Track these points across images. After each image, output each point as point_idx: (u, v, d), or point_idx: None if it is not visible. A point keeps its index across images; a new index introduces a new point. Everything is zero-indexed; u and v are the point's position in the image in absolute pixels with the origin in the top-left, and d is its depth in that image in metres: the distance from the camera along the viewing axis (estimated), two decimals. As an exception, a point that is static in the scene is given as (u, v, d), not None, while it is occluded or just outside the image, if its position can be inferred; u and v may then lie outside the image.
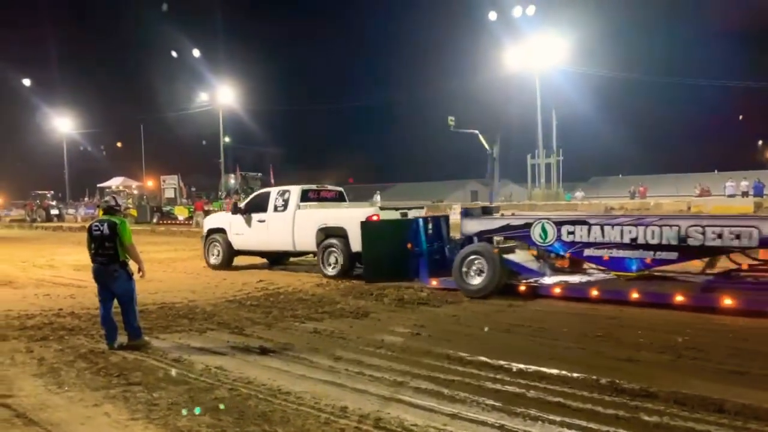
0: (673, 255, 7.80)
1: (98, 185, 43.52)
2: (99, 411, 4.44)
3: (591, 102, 50.29)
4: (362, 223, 10.32)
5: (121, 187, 41.50)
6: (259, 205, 12.29)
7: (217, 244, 12.92)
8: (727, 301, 7.05)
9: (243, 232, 12.36)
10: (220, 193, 35.49)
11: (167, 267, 13.47)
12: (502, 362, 5.39)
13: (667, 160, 62.94)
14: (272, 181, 35.57)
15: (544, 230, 8.69)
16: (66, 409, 4.49)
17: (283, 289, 9.81)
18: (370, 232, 10.17)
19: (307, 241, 11.39)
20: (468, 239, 9.34)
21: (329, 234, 11.05)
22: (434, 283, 9.34)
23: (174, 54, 48.56)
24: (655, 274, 8.42)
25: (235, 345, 6.31)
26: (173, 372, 5.35)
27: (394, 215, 10.97)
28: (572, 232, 8.46)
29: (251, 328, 7.09)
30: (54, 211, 40.61)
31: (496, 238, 9.04)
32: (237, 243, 12.62)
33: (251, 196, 13.40)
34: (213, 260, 13.01)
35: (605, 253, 8.24)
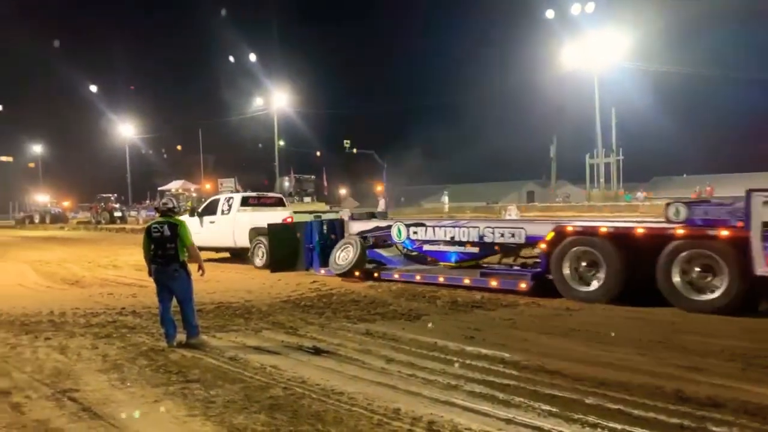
0: (476, 250, 10.10)
1: (159, 188, 45.18)
2: (159, 407, 4.60)
3: (652, 99, 48.63)
4: (268, 224, 12.57)
5: (180, 190, 43.01)
6: (211, 209, 14.74)
7: None
8: (493, 283, 9.18)
9: (199, 232, 13.72)
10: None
11: (224, 267, 13.84)
12: (558, 367, 5.27)
13: (733, 158, 60.02)
14: (325, 183, 36.00)
15: (399, 231, 11.11)
16: (128, 405, 4.67)
17: (336, 290, 9.91)
18: (276, 231, 12.50)
19: (243, 238, 13.89)
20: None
21: (259, 233, 13.29)
22: (322, 271, 11.59)
23: (231, 59, 49.94)
24: (482, 264, 10.38)
25: (289, 345, 6.42)
26: (229, 370, 5.49)
27: (307, 218, 12.69)
28: (416, 232, 10.85)
29: (305, 328, 7.20)
30: (117, 214, 42.48)
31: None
32: (198, 241, 13.28)
33: (206, 202, 15.62)
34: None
35: (436, 248, 10.62)
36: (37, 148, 67.84)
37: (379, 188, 41.16)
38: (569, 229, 8.56)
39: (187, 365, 5.69)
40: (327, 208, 31.29)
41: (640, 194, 43.58)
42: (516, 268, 9.85)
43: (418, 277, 10.18)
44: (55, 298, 9.99)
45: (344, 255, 11.21)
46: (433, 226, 10.67)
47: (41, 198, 53.47)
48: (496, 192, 59.06)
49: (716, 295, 7.17)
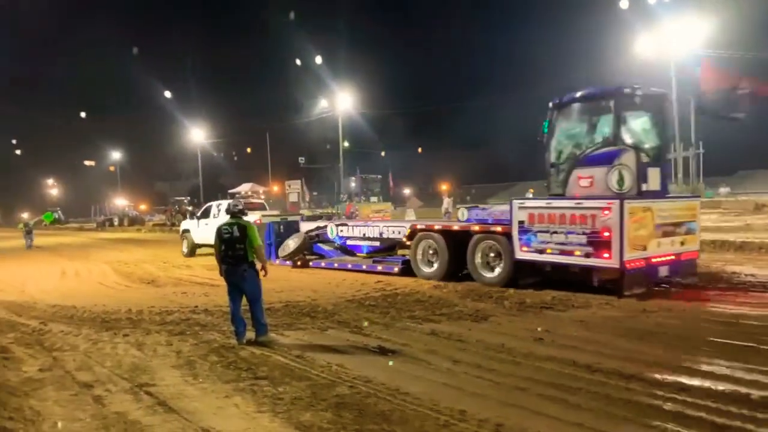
0: (378, 243, 13.07)
1: (229, 191, 46.74)
2: (229, 402, 4.76)
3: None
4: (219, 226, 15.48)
5: (249, 192, 44.30)
6: (207, 213, 18.14)
7: (186, 239, 18.65)
8: (379, 267, 12.14)
9: (198, 232, 17.91)
10: (342, 195, 36.53)
11: (290, 267, 14.13)
12: (634, 371, 5.06)
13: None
14: (391, 183, 36.07)
15: (332, 230, 14.21)
16: (200, 400, 4.86)
17: (400, 290, 9.93)
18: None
19: None
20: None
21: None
22: (277, 261, 14.32)
23: (298, 62, 50.96)
24: (393, 254, 13.12)
25: (354, 344, 6.48)
26: (296, 368, 5.61)
27: (274, 219, 16.30)
28: (342, 230, 13.94)
29: (370, 327, 7.25)
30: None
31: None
32: (196, 239, 18.17)
33: (203, 208, 19.23)
34: (185, 250, 18.55)
35: (355, 242, 13.52)
36: (116, 154, 71.64)
37: (444, 187, 40.94)
38: (417, 227, 11.49)
39: (256, 362, 5.85)
40: (392, 207, 31.86)
41: (723, 189, 41.26)
42: (399, 256, 12.67)
43: (335, 264, 13.20)
44: (133, 297, 10.53)
45: (289, 246, 14.45)
46: (352, 226, 13.90)
47: (120, 202, 56.51)
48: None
49: (497, 272, 9.84)
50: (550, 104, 9.66)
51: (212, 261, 7.25)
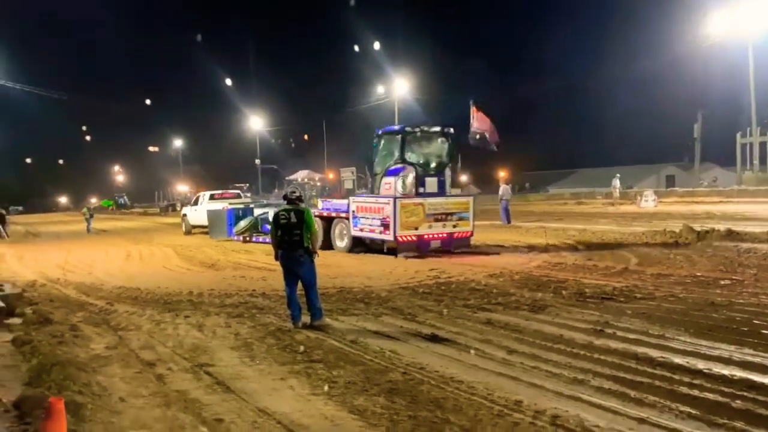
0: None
1: (285, 177, 47.60)
2: (284, 384, 4.87)
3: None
4: (207, 211, 21.55)
5: (305, 179, 45.00)
6: (196, 201, 24.20)
7: (184, 222, 23.93)
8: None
9: (192, 215, 23.63)
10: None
11: (344, 253, 14.29)
12: (700, 366, 4.87)
13: None
14: (458, 167, 35.40)
15: (270, 214, 15.34)
16: (257, 381, 4.99)
17: (454, 278, 9.88)
18: (213, 215, 20.84)
19: (205, 220, 21.75)
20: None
21: (210, 216, 21.11)
22: (235, 237, 18.79)
23: (356, 48, 51.12)
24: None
25: (407, 330, 6.51)
26: (350, 352, 5.68)
27: (236, 206, 20.55)
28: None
29: (423, 315, 7.25)
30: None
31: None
32: (192, 221, 23.44)
33: (195, 197, 25.64)
34: (183, 229, 23.72)
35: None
36: (178, 141, 74.12)
37: (502, 174, 40.22)
38: (323, 213, 15.00)
39: (311, 346, 5.96)
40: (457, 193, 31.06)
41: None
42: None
43: (259, 239, 17.76)
44: (194, 280, 10.92)
45: (241, 225, 18.79)
46: (269, 211, 17.46)
47: (181, 188, 58.47)
48: (630, 176, 55.10)
49: (345, 243, 14.34)
50: (375, 133, 14.67)
51: (271, 246, 7.39)
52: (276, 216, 7.02)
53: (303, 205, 7.16)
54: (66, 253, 17.27)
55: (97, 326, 7.17)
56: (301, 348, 5.89)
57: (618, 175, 35.65)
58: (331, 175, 49.08)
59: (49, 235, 27.98)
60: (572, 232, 16.86)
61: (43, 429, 2.82)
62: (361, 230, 13.78)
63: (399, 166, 13.57)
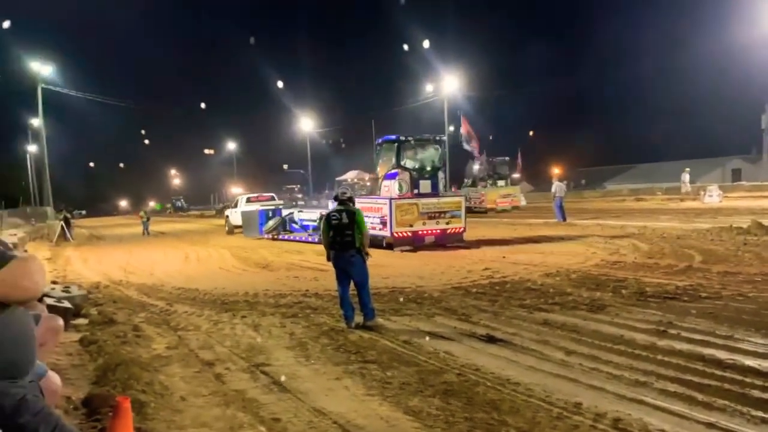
0: (315, 223, 18.26)
1: (336, 178, 48.03)
2: (339, 384, 4.92)
3: None
4: (241, 212, 24.40)
5: (355, 179, 45.26)
6: (236, 204, 27.16)
7: (227, 223, 26.83)
8: (300, 237, 19.21)
9: (232, 216, 26.34)
10: (465, 180, 33.85)
11: (397, 253, 14.33)
12: (774, 369, 4.63)
13: None
14: (520, 163, 34.32)
15: (296, 214, 20.63)
16: (312, 380, 5.05)
17: (509, 277, 9.74)
18: (246, 216, 23.33)
19: (240, 220, 24.82)
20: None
21: (244, 217, 23.92)
22: (266, 235, 20.67)
23: (405, 47, 51.09)
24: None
25: (462, 331, 6.45)
26: (404, 353, 5.68)
27: (267, 207, 23.06)
28: (300, 215, 20.30)
29: (478, 315, 7.18)
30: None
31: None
32: (233, 222, 25.97)
33: (235, 200, 28.47)
34: (227, 229, 26.38)
35: (307, 222, 19.42)
36: (232, 144, 75.90)
37: (556, 171, 39.30)
38: (322, 213, 14.68)
39: (364, 346, 6.00)
40: (517, 190, 30.82)
41: None
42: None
43: (285, 236, 20.00)
44: (249, 280, 11.16)
45: (270, 225, 20.79)
46: (300, 210, 20.90)
47: (235, 190, 59.77)
48: (693, 170, 53.01)
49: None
50: (376, 142, 17.39)
51: (319, 245, 7.48)
52: (327, 217, 7.09)
53: (353, 206, 7.21)
54: (127, 255, 17.96)
55: (158, 326, 7.42)
56: (355, 348, 5.93)
57: (687, 169, 34.38)
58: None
59: (111, 238, 29.15)
60: (631, 229, 16.36)
61: (111, 427, 2.94)
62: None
63: (396, 170, 15.89)
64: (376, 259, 11.41)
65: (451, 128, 48.20)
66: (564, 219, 20.65)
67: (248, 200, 26.91)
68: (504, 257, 12.44)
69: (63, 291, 7.93)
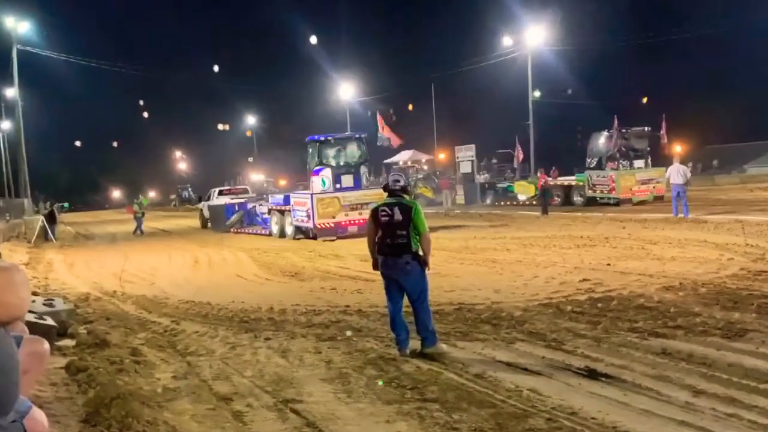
0: (267, 216, 26.04)
1: (384, 161, 48.16)
2: (391, 429, 4.95)
3: None
4: (208, 206, 32.39)
5: (409, 162, 45.28)
6: (208, 197, 34.38)
7: (200, 215, 34.09)
8: (261, 231, 26.25)
9: (205, 210, 32.73)
10: (588, 160, 30.39)
11: (464, 257, 14.29)
12: None
13: None
14: (663, 134, 31.65)
15: (256, 207, 27.70)
16: (356, 423, 5.10)
17: (615, 291, 9.58)
18: (213, 209, 31.10)
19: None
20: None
21: (213, 210, 31.38)
22: (232, 230, 27.56)
23: None
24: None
25: (552, 362, 6.38)
26: (475, 390, 5.65)
27: (237, 201, 30.36)
28: (259, 207, 27.50)
29: (573, 341, 7.08)
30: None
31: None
32: (206, 214, 32.24)
33: (209, 193, 35.88)
34: (200, 222, 33.46)
35: (264, 216, 26.71)
36: (252, 119, 76.97)
37: (678, 150, 38.18)
38: (272, 207, 24.83)
39: (423, 380, 6.01)
40: (662, 173, 26.92)
41: None
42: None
43: (248, 231, 26.49)
44: (275, 292, 11.37)
45: (232, 219, 27.86)
46: (261, 204, 26.79)
47: (256, 177, 60.68)
48: None
49: (291, 231, 23.22)
50: (306, 141, 23.51)
51: (366, 250, 7.51)
52: (374, 212, 7.08)
53: (409, 198, 7.19)
54: (123, 259, 18.55)
55: (162, 350, 7.63)
56: (411, 383, 5.94)
57: None
58: (442, 155, 49.14)
59: (102, 238, 30.17)
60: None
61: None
62: (298, 221, 22.52)
63: (319, 167, 22.36)
64: (437, 266, 11.41)
65: (537, 93, 47.66)
66: (686, 214, 20.12)
67: (221, 193, 34.40)
68: (609, 264, 12.25)
69: (45, 304, 8.23)
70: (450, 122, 60.80)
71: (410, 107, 67.29)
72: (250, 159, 75.91)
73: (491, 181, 38.58)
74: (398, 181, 7.22)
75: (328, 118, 68.25)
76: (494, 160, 50.30)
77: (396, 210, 6.90)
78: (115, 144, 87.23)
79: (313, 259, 16.05)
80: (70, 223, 43.01)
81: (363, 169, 23.00)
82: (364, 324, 8.43)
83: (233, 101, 78.06)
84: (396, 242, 6.87)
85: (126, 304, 11.05)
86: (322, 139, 22.75)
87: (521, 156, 42.37)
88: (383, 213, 6.96)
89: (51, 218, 28.17)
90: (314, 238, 21.30)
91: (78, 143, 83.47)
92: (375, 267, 7.18)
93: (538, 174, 29.73)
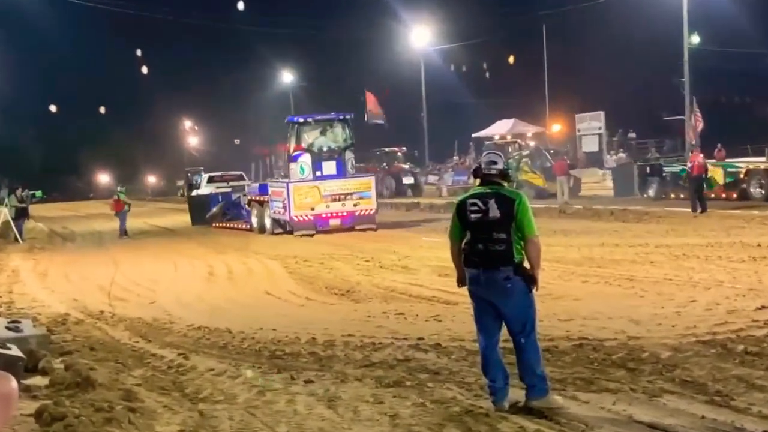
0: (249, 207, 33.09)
1: (473, 135, 48.01)
2: None
3: None
4: (191, 196, 38.89)
5: (509, 137, 44.88)
6: (198, 185, 39.49)
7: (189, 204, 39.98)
8: (244, 226, 31.98)
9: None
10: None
11: (587, 272, 14.09)
12: None
13: None
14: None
15: (241, 198, 33.02)
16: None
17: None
18: (196, 200, 37.45)
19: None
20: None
21: (195, 202, 37.83)
22: (213, 224, 33.66)
23: None
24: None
25: (716, 426, 6.23)
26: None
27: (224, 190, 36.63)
28: (243, 199, 33.02)
29: (747, 395, 6.93)
30: (408, 179, 45.98)
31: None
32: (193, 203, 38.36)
33: (196, 179, 41.30)
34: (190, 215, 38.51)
35: (246, 207, 33.31)
36: (287, 76, 77.52)
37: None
38: (251, 198, 30.84)
39: (528, 446, 5.95)
40: None
41: None
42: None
43: (231, 225, 32.11)
44: (318, 317, 11.44)
45: (213, 211, 33.19)
46: (240, 195, 32.60)
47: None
48: None
49: (269, 224, 28.96)
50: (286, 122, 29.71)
51: (447, 257, 7.43)
52: (461, 206, 6.93)
53: (509, 186, 7.07)
54: (113, 267, 18.92)
55: (165, 393, 7.71)
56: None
57: None
58: (556, 127, 48.63)
59: (85, 238, 30.82)
60: None
61: None
62: (275, 212, 26.84)
63: (299, 152, 26.45)
64: (548, 282, 11.23)
65: (694, 39, 46.57)
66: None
67: (210, 180, 38.06)
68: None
69: (9, 328, 8.41)
70: (567, 81, 59.97)
71: (511, 59, 66.78)
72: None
73: (656, 163, 36.14)
74: (495, 163, 7.04)
75: (393, 76, 68.20)
76: (632, 133, 49.41)
77: (492, 204, 6.75)
78: (102, 110, 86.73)
79: (371, 272, 16.00)
80: (42, 217, 43.94)
81: (348, 155, 27.34)
82: (444, 364, 8.40)
83: (264, 52, 78.50)
84: (491, 249, 6.76)
85: (117, 330, 11.20)
86: (301, 120, 27.67)
87: (699, 125, 40.07)
88: (473, 208, 6.82)
89: (21, 213, 28.31)
90: (290, 232, 25.84)
91: (53, 108, 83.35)
92: (460, 284, 7.14)
93: (691, 153, 29.08)
